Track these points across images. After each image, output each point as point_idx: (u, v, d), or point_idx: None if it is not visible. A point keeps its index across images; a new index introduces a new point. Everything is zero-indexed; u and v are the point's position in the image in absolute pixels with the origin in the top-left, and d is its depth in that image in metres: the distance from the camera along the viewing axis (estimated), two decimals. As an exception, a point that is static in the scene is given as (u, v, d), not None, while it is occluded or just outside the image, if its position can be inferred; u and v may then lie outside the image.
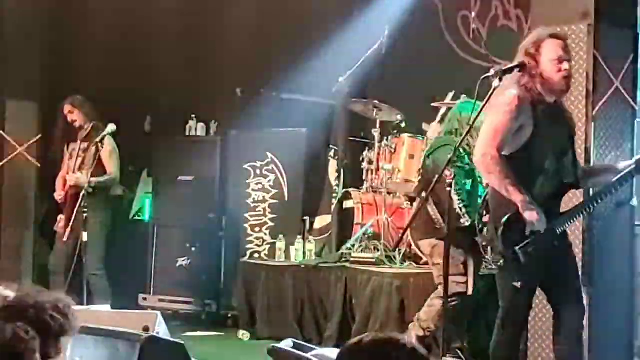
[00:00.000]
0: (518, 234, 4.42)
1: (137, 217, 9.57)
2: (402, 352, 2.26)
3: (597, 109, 5.18)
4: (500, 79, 4.86)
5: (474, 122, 5.09)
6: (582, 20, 5.28)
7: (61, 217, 7.67)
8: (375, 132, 7.93)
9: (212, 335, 8.01)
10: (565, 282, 4.60)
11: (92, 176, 7.61)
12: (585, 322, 4.58)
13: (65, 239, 7.53)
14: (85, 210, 7.31)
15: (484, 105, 5.07)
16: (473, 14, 8.62)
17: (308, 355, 4.42)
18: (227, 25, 9.40)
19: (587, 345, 4.79)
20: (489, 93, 4.99)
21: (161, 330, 5.36)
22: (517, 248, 4.40)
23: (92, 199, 7.54)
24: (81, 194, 7.38)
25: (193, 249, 8.72)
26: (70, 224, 7.50)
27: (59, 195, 7.78)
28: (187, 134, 9.26)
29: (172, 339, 5.04)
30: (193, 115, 9.25)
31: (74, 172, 7.75)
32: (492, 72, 4.94)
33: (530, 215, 4.38)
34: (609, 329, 5.31)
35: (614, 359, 5.39)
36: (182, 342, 5.02)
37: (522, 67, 5.14)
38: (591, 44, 5.21)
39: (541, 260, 4.43)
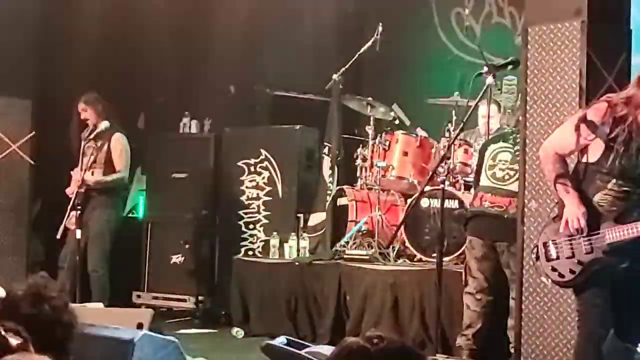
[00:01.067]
0: None
1: (131, 215, 9.56)
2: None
3: (590, 105, 5.18)
4: (494, 76, 4.88)
5: (467, 119, 5.10)
6: (575, 17, 5.27)
7: (73, 214, 7.60)
8: (369, 129, 7.93)
9: (205, 332, 8.00)
10: None
11: (104, 174, 7.63)
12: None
13: (78, 236, 7.46)
14: (79, 207, 7.31)
15: (478, 102, 5.09)
16: (467, 11, 8.62)
17: (302, 352, 4.43)
18: (220, 22, 9.38)
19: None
20: (483, 89, 5.01)
21: (155, 328, 5.36)
22: None
23: (100, 197, 7.56)
24: (76, 192, 7.39)
25: (187, 246, 8.71)
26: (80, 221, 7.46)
27: (71, 191, 7.72)
28: (181, 131, 9.25)
29: (165, 336, 5.04)
30: (187, 113, 9.24)
31: (87, 170, 7.67)
32: (485, 68, 4.96)
33: (569, 214, 4.31)
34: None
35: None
36: (176, 340, 5.02)
37: (515, 64, 5.16)
38: (584, 40, 5.20)
39: None
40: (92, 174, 7.65)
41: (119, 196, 7.99)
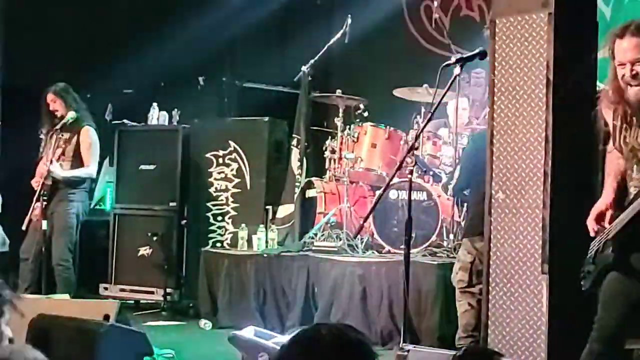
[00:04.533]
0: None
1: (98, 206, 9.50)
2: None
3: (557, 97, 5.20)
4: (462, 67, 4.89)
5: (434, 110, 5.11)
6: (542, 9, 5.28)
7: (37, 206, 7.51)
8: (338, 121, 7.94)
9: (173, 324, 7.96)
10: None
11: (71, 168, 7.55)
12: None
13: (44, 227, 7.38)
14: (46, 198, 7.25)
15: (445, 93, 5.10)
16: (436, 3, 8.64)
17: (269, 342, 4.44)
18: (189, 14, 9.34)
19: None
20: (450, 81, 5.02)
21: (122, 321, 5.33)
22: None
23: (65, 189, 7.48)
24: (41, 184, 7.32)
25: (155, 238, 8.66)
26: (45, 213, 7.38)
27: (35, 182, 7.62)
28: (149, 122, 9.19)
29: (133, 328, 5.02)
30: (155, 104, 9.19)
31: (54, 161, 7.54)
32: (452, 60, 4.96)
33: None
34: None
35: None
36: (144, 332, 5.01)
37: (482, 55, 5.17)
38: (551, 32, 5.22)
39: None
40: (61, 166, 7.56)
41: (85, 189, 7.91)
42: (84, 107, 7.79)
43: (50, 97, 7.73)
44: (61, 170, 7.50)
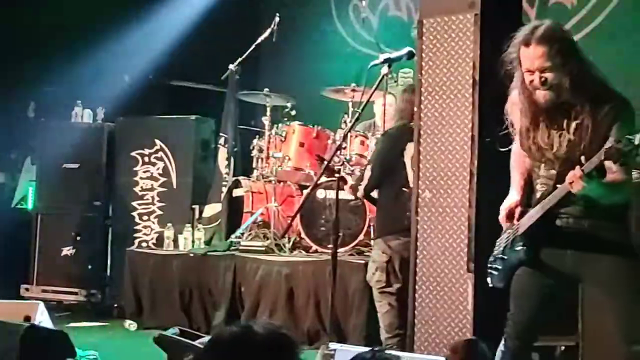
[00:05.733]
0: None
1: (19, 206, 9.31)
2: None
3: (483, 97, 5.25)
4: (389, 66, 4.90)
5: (362, 109, 5.11)
6: (469, 10, 5.33)
7: None
8: (266, 120, 7.92)
9: (97, 325, 7.86)
10: None
11: None
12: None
13: None
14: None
15: (372, 93, 5.11)
16: (364, 3, 8.67)
17: (195, 342, 4.39)
18: (115, 10, 9.22)
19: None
20: (377, 80, 5.03)
21: (44, 320, 5.23)
22: None
23: None
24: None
25: (78, 238, 8.54)
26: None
27: None
28: (73, 120, 9.04)
29: (54, 328, 4.93)
30: (79, 101, 9.05)
31: None
32: (380, 59, 4.97)
33: None
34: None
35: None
36: (65, 332, 4.92)
37: (410, 55, 5.19)
38: (478, 33, 5.27)
39: None
40: None
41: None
42: None
43: None
44: None
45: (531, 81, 3.75)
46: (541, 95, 3.75)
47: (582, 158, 3.54)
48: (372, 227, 7.19)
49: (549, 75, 3.70)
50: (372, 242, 7.12)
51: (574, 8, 7.96)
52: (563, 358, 5.59)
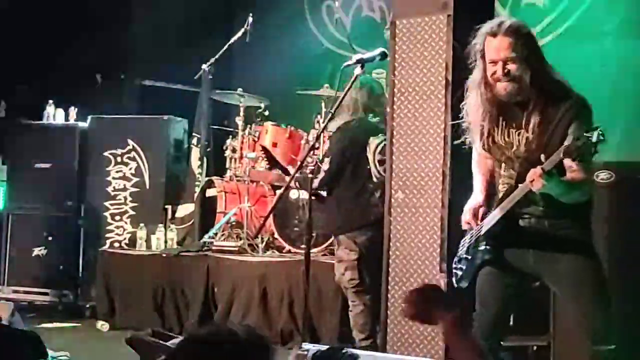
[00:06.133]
0: None
1: (-10, 206, 9.24)
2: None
3: (456, 98, 5.28)
4: (362, 67, 4.91)
5: (335, 110, 5.12)
6: (442, 11, 5.36)
7: None
8: (239, 120, 7.91)
9: (69, 326, 7.82)
10: None
11: None
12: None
13: None
14: None
15: (345, 93, 5.11)
16: (337, 3, 8.68)
17: (167, 343, 4.38)
18: (88, 9, 9.17)
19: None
20: (350, 81, 5.04)
21: (15, 321, 5.20)
22: None
23: None
24: None
25: (50, 238, 8.48)
26: None
27: None
28: (45, 119, 8.98)
29: (25, 329, 4.90)
30: (51, 101, 8.99)
31: None
32: (353, 60, 4.99)
33: None
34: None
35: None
36: (37, 333, 4.88)
37: (383, 56, 5.20)
38: (450, 34, 5.30)
39: None
40: None
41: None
42: None
43: None
44: None
45: (494, 73, 3.80)
46: (502, 87, 3.81)
47: (542, 157, 3.58)
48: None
49: (512, 66, 3.77)
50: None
51: (546, 9, 8.00)
52: (535, 358, 5.62)
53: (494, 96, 3.85)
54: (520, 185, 3.74)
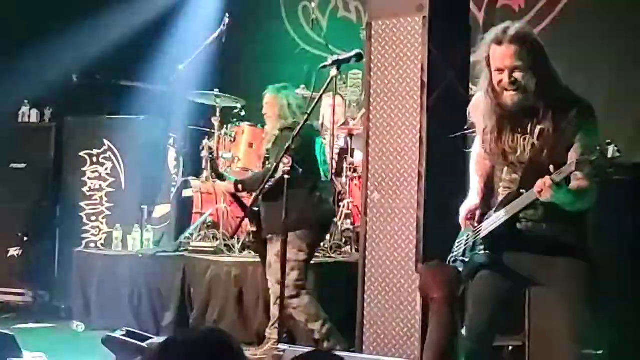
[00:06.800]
0: None
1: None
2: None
3: (431, 99, 5.31)
4: (338, 68, 4.93)
5: (311, 111, 5.13)
6: (417, 13, 5.38)
7: None
8: (215, 121, 7.90)
9: (44, 327, 7.79)
10: None
11: None
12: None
13: None
14: None
15: (322, 94, 5.13)
16: (313, 4, 8.69)
17: (143, 344, 4.38)
18: (62, 8, 9.14)
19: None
20: (327, 82, 5.05)
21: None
22: None
23: None
24: None
25: (25, 238, 8.45)
26: None
27: None
28: (20, 120, 8.95)
29: (0, 330, 4.88)
30: (26, 101, 8.95)
31: None
32: (329, 61, 5.00)
33: None
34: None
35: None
36: (12, 334, 4.87)
37: (359, 57, 5.22)
38: (426, 36, 5.32)
39: None
40: None
41: None
42: None
43: None
44: None
45: (500, 81, 3.78)
46: (509, 96, 3.78)
47: (551, 167, 3.56)
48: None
49: (518, 75, 3.73)
50: (321, 243, 7.14)
51: (521, 11, 8.06)
52: (511, 358, 5.65)
53: (500, 104, 3.83)
54: (524, 191, 3.72)
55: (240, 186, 6.30)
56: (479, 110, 3.95)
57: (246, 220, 6.44)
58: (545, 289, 4.03)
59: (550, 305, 4.00)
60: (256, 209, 6.15)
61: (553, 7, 7.91)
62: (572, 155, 3.58)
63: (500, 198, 3.92)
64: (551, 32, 7.77)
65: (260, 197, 5.76)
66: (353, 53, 5.06)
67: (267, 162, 6.34)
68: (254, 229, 6.18)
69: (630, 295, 5.15)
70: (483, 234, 3.91)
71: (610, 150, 3.37)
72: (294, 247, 5.95)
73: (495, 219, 3.86)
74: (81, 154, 8.54)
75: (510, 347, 5.69)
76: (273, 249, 6.05)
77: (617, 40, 7.48)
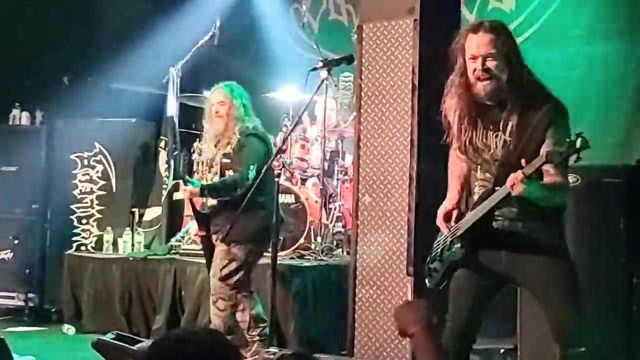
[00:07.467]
0: None
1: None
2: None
3: (422, 102, 5.30)
4: (329, 70, 4.93)
5: (302, 113, 5.13)
6: (408, 16, 5.39)
7: None
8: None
9: (35, 330, 7.77)
10: None
11: None
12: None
13: None
14: None
15: (312, 97, 5.13)
16: (305, 7, 8.69)
17: (134, 347, 4.37)
18: (53, 10, 9.12)
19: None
20: (318, 85, 5.05)
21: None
22: None
23: None
24: None
25: (16, 241, 8.41)
26: None
27: None
28: (11, 122, 8.92)
29: (-10, 334, 4.86)
30: (17, 103, 8.92)
31: None
32: (320, 64, 5.00)
33: None
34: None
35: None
36: (3, 337, 4.84)
37: (349, 60, 5.23)
38: (417, 38, 5.33)
39: None
40: None
41: None
42: None
43: None
44: None
45: (474, 70, 3.82)
46: (481, 87, 3.82)
47: (523, 161, 3.59)
48: (312, 230, 7.19)
49: (491, 63, 3.78)
50: (312, 246, 7.14)
51: (513, 13, 8.06)
52: (503, 361, 5.67)
53: (472, 96, 3.86)
54: (497, 188, 3.75)
55: (206, 191, 6.09)
56: (452, 109, 3.98)
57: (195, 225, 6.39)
58: (526, 288, 4.05)
59: (537, 306, 4.01)
60: (204, 212, 6.09)
61: (545, 9, 7.92)
62: (543, 150, 3.60)
63: (475, 197, 3.94)
64: (543, 35, 7.79)
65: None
66: (344, 55, 5.07)
67: (228, 169, 6.06)
68: (203, 233, 6.09)
69: (620, 296, 5.15)
70: (459, 233, 3.93)
71: (579, 142, 3.40)
72: (238, 248, 5.85)
73: (471, 217, 3.89)
74: (72, 156, 8.52)
75: (502, 350, 5.70)
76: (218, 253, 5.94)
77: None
